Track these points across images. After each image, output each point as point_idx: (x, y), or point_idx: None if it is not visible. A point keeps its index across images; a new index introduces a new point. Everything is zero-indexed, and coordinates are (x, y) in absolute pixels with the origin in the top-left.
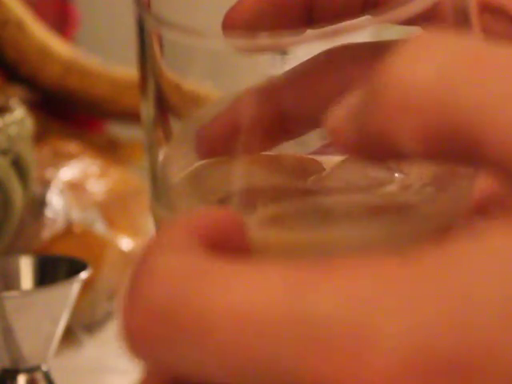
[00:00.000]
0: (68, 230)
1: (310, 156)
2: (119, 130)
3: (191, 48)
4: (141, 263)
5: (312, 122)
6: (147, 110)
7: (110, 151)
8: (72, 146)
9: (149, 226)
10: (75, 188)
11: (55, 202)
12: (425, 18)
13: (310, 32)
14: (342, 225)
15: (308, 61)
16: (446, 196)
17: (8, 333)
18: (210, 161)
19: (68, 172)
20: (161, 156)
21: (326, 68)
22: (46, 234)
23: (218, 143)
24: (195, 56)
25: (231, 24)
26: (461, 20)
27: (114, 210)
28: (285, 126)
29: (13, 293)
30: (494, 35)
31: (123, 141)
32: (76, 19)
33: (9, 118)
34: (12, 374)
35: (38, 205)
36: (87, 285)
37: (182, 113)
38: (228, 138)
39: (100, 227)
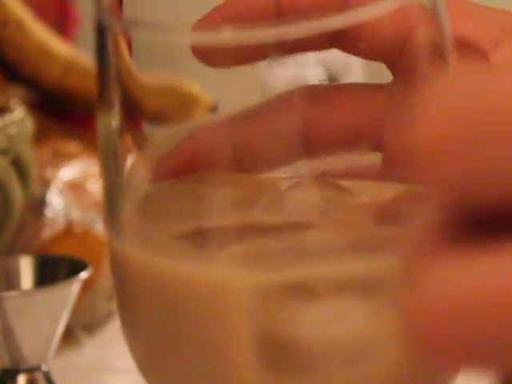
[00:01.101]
0: (68, 230)
1: (265, 176)
2: None
3: (168, 45)
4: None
5: (267, 158)
6: (110, 121)
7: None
8: (72, 146)
9: None
10: (75, 188)
11: (55, 202)
12: (398, 51)
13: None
14: (319, 261)
15: (273, 98)
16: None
17: (8, 333)
18: (164, 187)
19: (68, 172)
20: (128, 164)
21: (286, 107)
22: (46, 233)
23: (179, 166)
24: (171, 53)
25: None
26: (436, 54)
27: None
28: (241, 160)
29: (13, 293)
30: None
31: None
32: (76, 19)
33: (9, 117)
34: (12, 373)
35: (37, 205)
36: (87, 285)
37: (154, 117)
38: (189, 164)
39: (100, 227)
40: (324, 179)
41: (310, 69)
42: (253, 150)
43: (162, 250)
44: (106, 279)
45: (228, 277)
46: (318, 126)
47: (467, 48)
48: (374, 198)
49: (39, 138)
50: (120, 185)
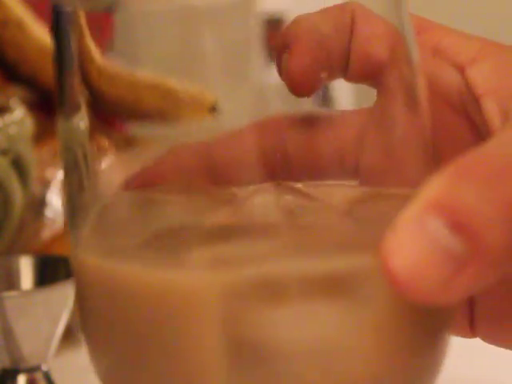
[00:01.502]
0: (68, 230)
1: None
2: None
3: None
4: None
5: (241, 181)
6: (77, 123)
7: (125, 149)
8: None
9: None
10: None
11: (55, 202)
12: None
13: None
14: (284, 262)
15: (253, 123)
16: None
17: (8, 333)
18: (128, 195)
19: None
20: (102, 166)
21: (262, 133)
22: (46, 233)
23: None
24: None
25: None
26: (408, 95)
27: None
28: (214, 181)
29: (13, 293)
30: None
31: (140, 139)
32: None
33: (9, 117)
34: (12, 373)
35: (37, 205)
36: None
37: (145, 116)
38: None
39: None
40: (287, 184)
41: None
42: (227, 173)
43: (125, 258)
44: None
45: (194, 280)
46: (298, 151)
47: (445, 60)
48: (337, 200)
49: (39, 137)
50: (87, 191)
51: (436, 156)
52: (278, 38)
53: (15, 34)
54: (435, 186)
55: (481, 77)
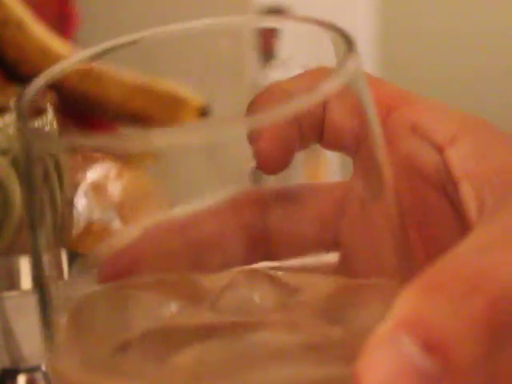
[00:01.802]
0: (88, 229)
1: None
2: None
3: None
4: None
5: (219, 262)
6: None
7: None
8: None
9: None
10: (97, 189)
11: (80, 203)
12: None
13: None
14: (265, 367)
15: (228, 200)
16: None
17: (8, 333)
18: (100, 293)
19: (92, 174)
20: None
21: (239, 210)
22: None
23: (124, 270)
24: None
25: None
26: (373, 171)
27: (127, 209)
28: (192, 262)
29: (13, 293)
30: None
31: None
32: (76, 19)
33: (9, 117)
34: (12, 374)
35: (68, 207)
36: None
37: (134, 118)
38: (134, 266)
39: (117, 226)
40: (266, 272)
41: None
42: (206, 253)
43: (98, 367)
44: None
45: None
46: (277, 226)
47: (424, 138)
48: (319, 294)
49: None
50: (57, 288)
51: (415, 237)
52: (250, 106)
53: (15, 34)
54: (405, 303)
55: (458, 159)
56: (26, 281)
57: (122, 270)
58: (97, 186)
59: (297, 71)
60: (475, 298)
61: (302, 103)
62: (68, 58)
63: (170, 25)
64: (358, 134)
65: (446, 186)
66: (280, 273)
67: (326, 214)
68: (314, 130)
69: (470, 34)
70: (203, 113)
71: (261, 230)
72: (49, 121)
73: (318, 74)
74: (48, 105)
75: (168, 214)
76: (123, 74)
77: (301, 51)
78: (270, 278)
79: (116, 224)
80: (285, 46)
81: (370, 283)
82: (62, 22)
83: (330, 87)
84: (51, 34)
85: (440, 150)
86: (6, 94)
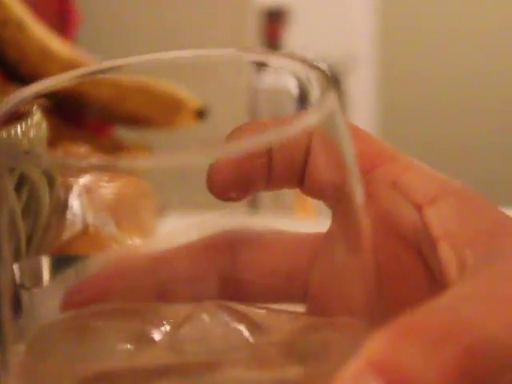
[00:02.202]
0: (84, 232)
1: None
2: (123, 134)
3: None
4: None
5: (181, 294)
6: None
7: (115, 153)
8: (84, 150)
9: (155, 226)
10: (89, 191)
11: (75, 205)
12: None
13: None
14: None
15: (201, 239)
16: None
17: None
18: (59, 322)
19: (86, 176)
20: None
21: (210, 249)
22: (66, 235)
23: (88, 298)
24: None
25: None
26: (352, 224)
27: (122, 211)
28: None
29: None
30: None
31: (129, 144)
32: (76, 19)
33: (29, 121)
34: None
35: (61, 208)
36: None
37: (130, 120)
38: (98, 296)
39: (111, 229)
40: (229, 306)
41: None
42: (173, 289)
43: None
44: None
45: None
46: (247, 269)
47: (403, 196)
48: (284, 331)
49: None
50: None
51: (386, 293)
52: (229, 135)
53: (15, 34)
54: (376, 344)
55: (438, 218)
56: (46, 279)
57: (87, 300)
58: (90, 190)
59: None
60: (450, 345)
61: (273, 137)
62: (55, 76)
63: (158, 54)
64: (338, 185)
65: (421, 246)
66: (244, 307)
67: (296, 266)
68: (292, 174)
69: (470, 33)
70: (201, 114)
71: (230, 273)
72: (34, 123)
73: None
74: (34, 107)
75: (133, 247)
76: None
77: (284, 86)
78: (233, 312)
79: (110, 228)
80: (269, 79)
81: (337, 321)
82: (62, 22)
83: (302, 123)
84: (51, 34)
85: (419, 208)
86: (6, 94)
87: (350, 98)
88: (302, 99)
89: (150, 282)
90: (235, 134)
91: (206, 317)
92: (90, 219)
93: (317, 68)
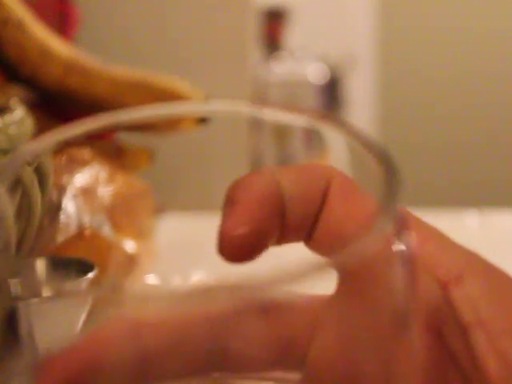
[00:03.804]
0: (79, 234)
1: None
2: (125, 137)
3: None
4: None
5: (172, 367)
6: None
7: (117, 157)
8: (85, 153)
9: (152, 228)
10: (86, 193)
11: (69, 207)
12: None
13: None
14: None
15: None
16: None
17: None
18: None
19: (80, 178)
20: None
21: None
22: (60, 237)
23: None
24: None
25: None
26: (400, 322)
27: (119, 213)
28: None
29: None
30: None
31: (130, 147)
32: (76, 19)
33: (9, 117)
34: None
35: (54, 210)
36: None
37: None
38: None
39: (107, 230)
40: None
41: (308, 65)
42: (160, 362)
43: None
44: (112, 279)
45: None
46: (237, 342)
47: (428, 274)
48: None
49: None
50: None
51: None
52: (232, 189)
53: (15, 34)
54: None
55: (467, 301)
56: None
57: (67, 379)
58: (86, 190)
59: (306, 65)
60: None
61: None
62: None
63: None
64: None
65: (443, 329)
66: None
67: (296, 333)
68: (302, 226)
69: (470, 34)
70: (203, 119)
71: (221, 342)
72: (16, 120)
73: (312, 174)
74: (15, 101)
75: (122, 318)
76: (114, 69)
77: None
78: None
79: (107, 229)
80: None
81: None
82: (62, 22)
83: (336, 175)
84: (51, 34)
85: (444, 286)
86: (6, 94)
87: (350, 98)
88: None
89: (135, 356)
90: (241, 188)
91: None
92: (87, 221)
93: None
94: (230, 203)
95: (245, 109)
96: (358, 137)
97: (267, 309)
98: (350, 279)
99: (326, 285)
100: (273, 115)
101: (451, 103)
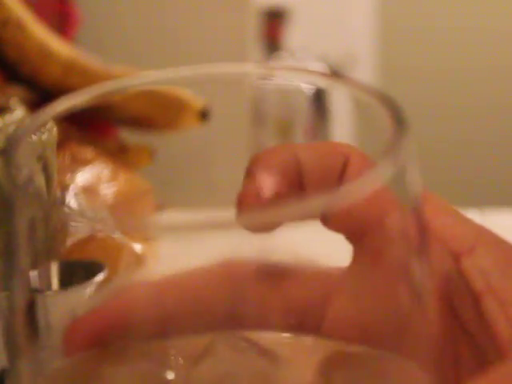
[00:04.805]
0: (91, 236)
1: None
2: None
3: None
4: None
5: (193, 325)
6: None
7: (119, 156)
8: (88, 152)
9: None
10: (89, 192)
11: (73, 205)
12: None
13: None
14: None
15: (203, 269)
16: None
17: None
18: (72, 365)
19: (83, 177)
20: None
21: (216, 281)
22: (72, 238)
23: (93, 337)
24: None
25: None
26: (416, 290)
27: (122, 212)
28: (168, 325)
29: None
30: None
31: (131, 145)
32: (76, 19)
33: (9, 117)
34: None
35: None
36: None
37: (133, 122)
38: (105, 332)
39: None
40: (247, 338)
41: (309, 65)
42: (182, 319)
43: None
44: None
45: None
46: (258, 299)
47: (441, 246)
48: (305, 364)
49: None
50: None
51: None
52: (253, 162)
53: (15, 34)
54: None
55: (479, 270)
56: (54, 283)
57: (89, 340)
58: (88, 189)
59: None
60: None
61: (330, 200)
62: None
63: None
64: (372, 221)
65: (454, 299)
66: (260, 337)
67: (311, 300)
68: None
69: (470, 33)
70: (204, 115)
71: (240, 304)
72: (16, 120)
73: (331, 151)
74: (15, 101)
75: (144, 274)
76: (114, 69)
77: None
78: (251, 345)
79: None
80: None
81: (362, 351)
82: (62, 21)
83: (353, 153)
84: (51, 34)
85: (457, 257)
86: (6, 94)
87: None
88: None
89: (155, 315)
90: (266, 157)
91: (226, 351)
92: (98, 223)
93: (388, 101)
94: (249, 175)
95: (252, 70)
96: (365, 88)
97: (286, 274)
98: (364, 249)
99: (342, 256)
100: (281, 77)
101: (451, 103)
